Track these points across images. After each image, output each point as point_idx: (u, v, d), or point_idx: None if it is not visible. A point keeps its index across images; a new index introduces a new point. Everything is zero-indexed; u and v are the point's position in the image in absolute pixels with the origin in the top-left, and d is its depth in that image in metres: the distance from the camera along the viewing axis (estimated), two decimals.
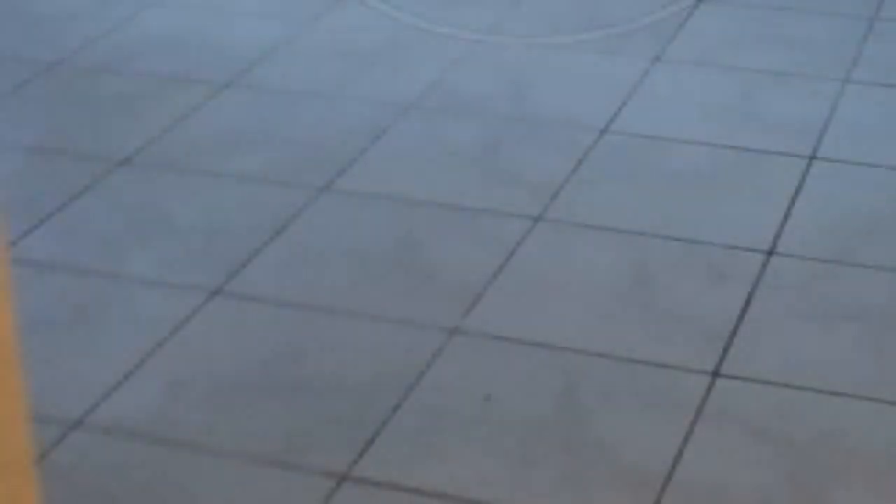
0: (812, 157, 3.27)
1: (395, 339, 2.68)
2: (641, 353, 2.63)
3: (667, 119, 3.44)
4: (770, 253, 2.92)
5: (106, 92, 3.63)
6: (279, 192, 3.16)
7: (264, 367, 2.61)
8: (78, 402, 2.53)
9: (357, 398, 2.53)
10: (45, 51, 3.84)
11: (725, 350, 2.63)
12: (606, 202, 3.10)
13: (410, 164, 3.26)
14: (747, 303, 2.76)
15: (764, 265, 2.88)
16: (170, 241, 2.99)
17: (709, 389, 2.53)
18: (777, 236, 2.97)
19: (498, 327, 2.71)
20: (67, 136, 3.41)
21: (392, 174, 3.22)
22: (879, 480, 2.33)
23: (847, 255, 2.91)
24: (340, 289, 2.83)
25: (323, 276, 2.87)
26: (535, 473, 2.35)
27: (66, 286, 2.85)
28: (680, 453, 2.39)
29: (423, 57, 3.78)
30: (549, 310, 2.75)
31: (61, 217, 3.09)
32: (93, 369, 2.61)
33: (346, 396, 2.53)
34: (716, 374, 2.57)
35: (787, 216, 3.04)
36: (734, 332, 2.68)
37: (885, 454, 2.38)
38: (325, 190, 3.17)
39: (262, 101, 3.56)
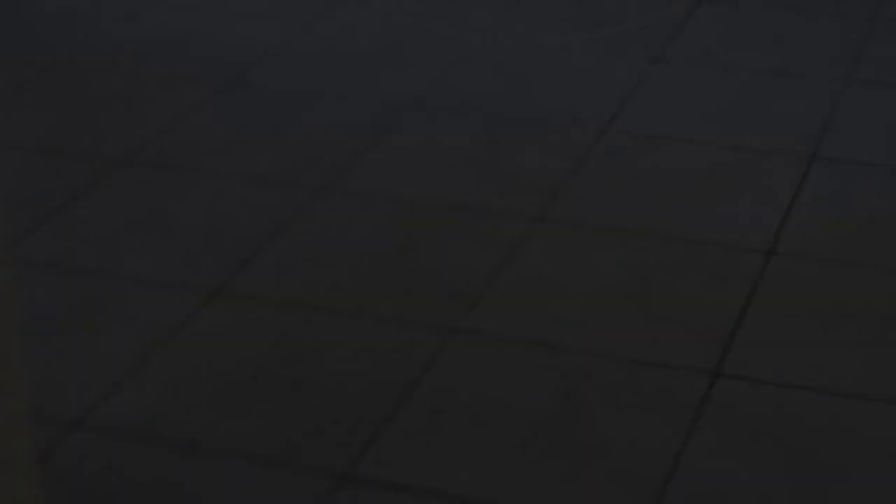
0: (812, 157, 3.27)
1: (395, 339, 2.68)
2: (641, 353, 2.63)
3: (667, 119, 3.44)
4: (770, 253, 2.92)
5: (106, 92, 3.63)
6: (279, 192, 3.16)
7: (264, 367, 2.61)
8: (78, 402, 2.53)
9: (357, 398, 2.53)
10: (45, 51, 3.85)
11: (725, 350, 2.63)
12: (606, 202, 3.10)
13: (410, 164, 3.26)
14: (747, 303, 2.76)
15: (764, 265, 2.88)
16: (170, 241, 2.99)
17: (709, 389, 2.53)
18: (777, 236, 2.97)
19: (498, 327, 2.71)
20: (67, 136, 3.41)
21: (392, 174, 3.22)
22: (879, 480, 2.33)
23: (847, 255, 2.91)
24: (340, 289, 2.83)
25: (323, 276, 2.87)
26: (535, 473, 2.35)
27: (65, 286, 2.85)
28: (680, 453, 2.39)
29: (423, 57, 3.78)
30: (549, 310, 2.75)
31: (61, 217, 3.09)
32: (92, 369, 2.61)
33: (346, 396, 2.53)
34: (716, 374, 2.57)
35: (787, 216, 3.04)
36: (734, 332, 2.68)
37: (884, 454, 2.38)
38: (325, 190, 3.17)
39: (262, 101, 3.56)
